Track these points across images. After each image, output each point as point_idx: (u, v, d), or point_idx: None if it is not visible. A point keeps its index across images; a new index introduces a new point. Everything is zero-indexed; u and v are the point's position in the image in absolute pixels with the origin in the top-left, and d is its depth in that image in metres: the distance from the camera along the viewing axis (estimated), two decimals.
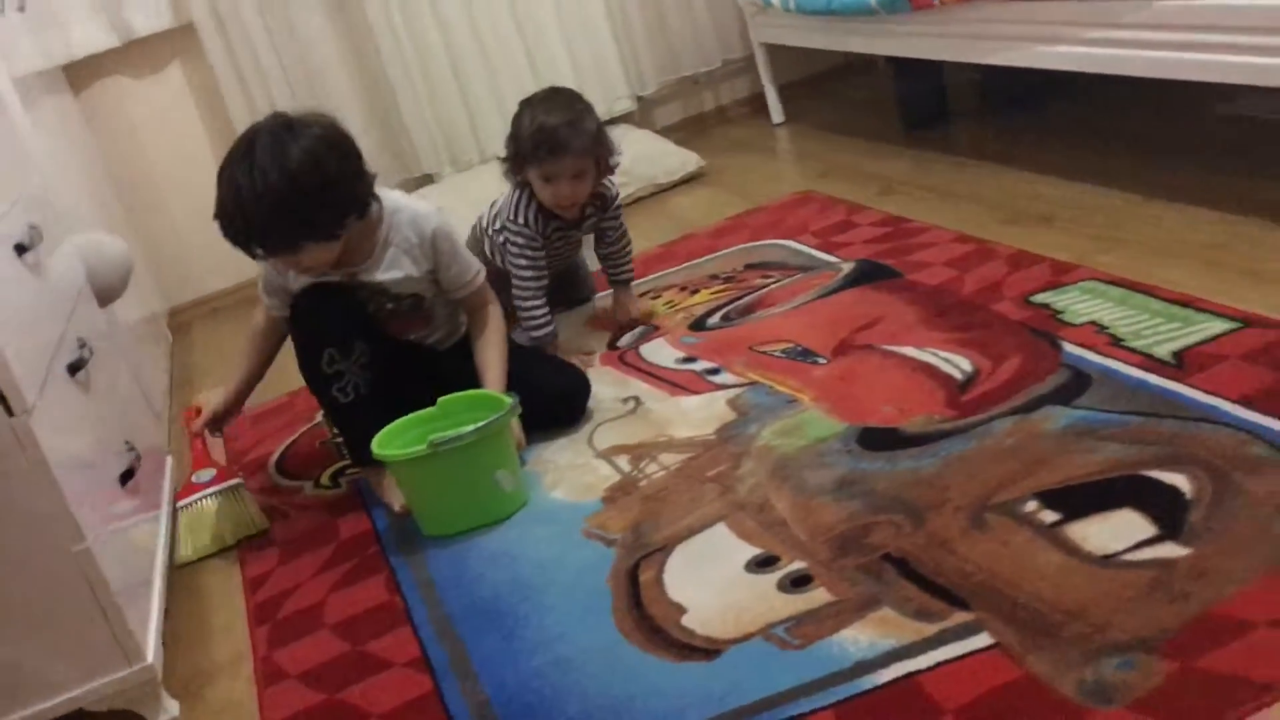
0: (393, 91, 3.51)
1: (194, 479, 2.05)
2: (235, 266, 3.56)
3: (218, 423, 2.13)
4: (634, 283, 2.50)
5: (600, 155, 2.26)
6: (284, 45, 3.42)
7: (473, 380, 2.01)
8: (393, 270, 1.99)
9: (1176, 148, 2.47)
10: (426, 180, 3.61)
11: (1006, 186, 2.56)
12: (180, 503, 2.03)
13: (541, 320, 2.31)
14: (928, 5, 2.51)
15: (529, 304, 2.31)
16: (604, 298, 2.59)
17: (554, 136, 2.18)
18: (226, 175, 1.82)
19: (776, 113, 3.68)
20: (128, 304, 2.67)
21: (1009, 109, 3.05)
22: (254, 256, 1.91)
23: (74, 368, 1.70)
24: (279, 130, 1.82)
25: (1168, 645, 1.17)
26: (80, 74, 3.36)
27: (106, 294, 2.17)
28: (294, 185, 1.78)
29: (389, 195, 2.03)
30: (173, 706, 1.58)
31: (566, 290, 2.59)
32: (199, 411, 2.14)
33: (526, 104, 2.28)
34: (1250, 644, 1.14)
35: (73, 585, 1.48)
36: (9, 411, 1.42)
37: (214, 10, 3.34)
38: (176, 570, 1.97)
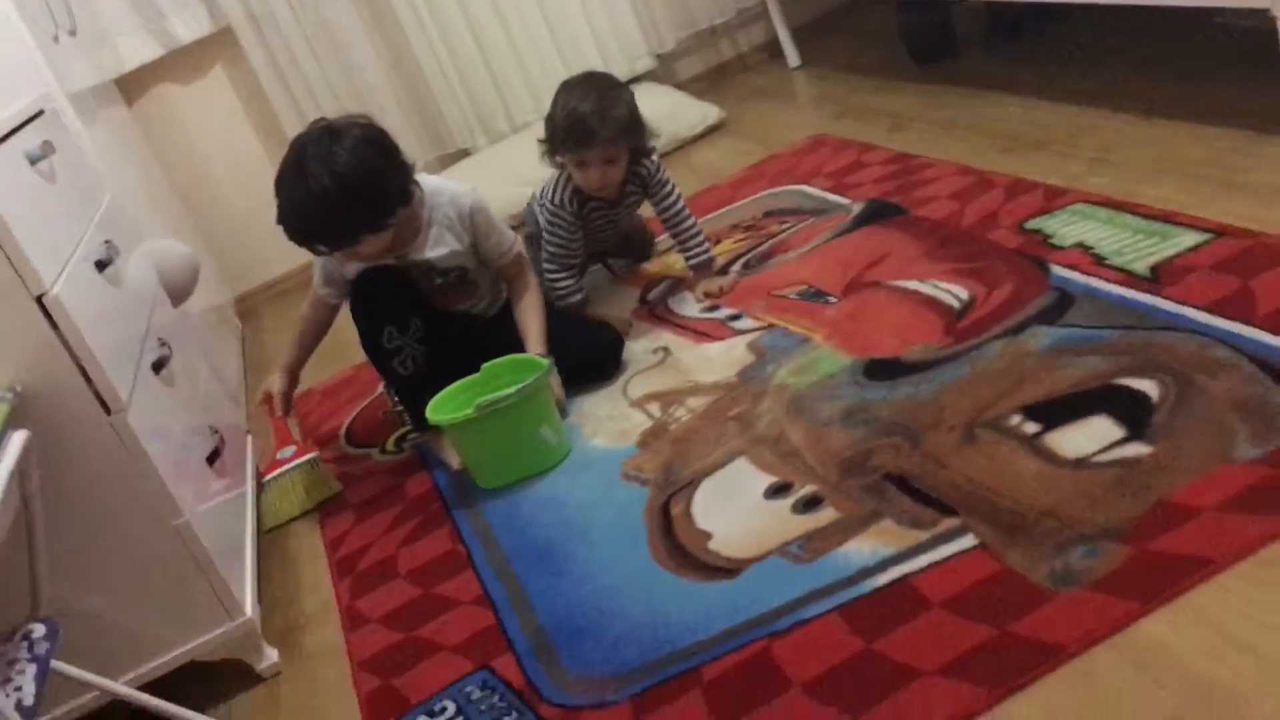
0: (423, 72, 3.68)
1: (277, 456, 2.27)
2: (296, 249, 3.79)
3: (287, 403, 2.34)
4: (705, 258, 2.45)
5: (632, 142, 2.33)
6: (317, 39, 3.59)
7: (516, 343, 2.20)
8: (439, 247, 2.18)
9: (1173, 62, 2.56)
10: (463, 155, 3.78)
11: (1007, 114, 2.66)
12: (266, 477, 2.25)
13: (566, 291, 2.44)
14: None
15: (555, 275, 2.43)
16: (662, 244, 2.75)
17: (583, 124, 2.26)
18: (284, 186, 2.03)
19: (792, 56, 3.79)
20: (197, 296, 2.89)
21: (1013, 35, 3.13)
22: (317, 253, 2.12)
23: (157, 365, 1.91)
24: (324, 138, 2.01)
25: (1128, 533, 1.33)
26: (132, 86, 3.57)
27: (178, 295, 2.38)
28: (345, 187, 1.97)
29: (427, 179, 2.21)
30: (272, 654, 1.81)
31: (626, 250, 2.72)
32: (270, 397, 2.36)
33: (563, 87, 2.35)
34: (1198, 526, 1.29)
35: (176, 555, 1.70)
36: (107, 411, 1.63)
37: (249, 13, 3.53)
38: (266, 536, 2.19)
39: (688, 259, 2.48)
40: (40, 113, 2.03)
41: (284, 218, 2.04)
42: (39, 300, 1.57)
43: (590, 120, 2.26)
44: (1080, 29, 2.92)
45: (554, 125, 2.33)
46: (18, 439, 1.43)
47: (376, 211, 2.05)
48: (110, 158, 2.78)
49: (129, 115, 3.55)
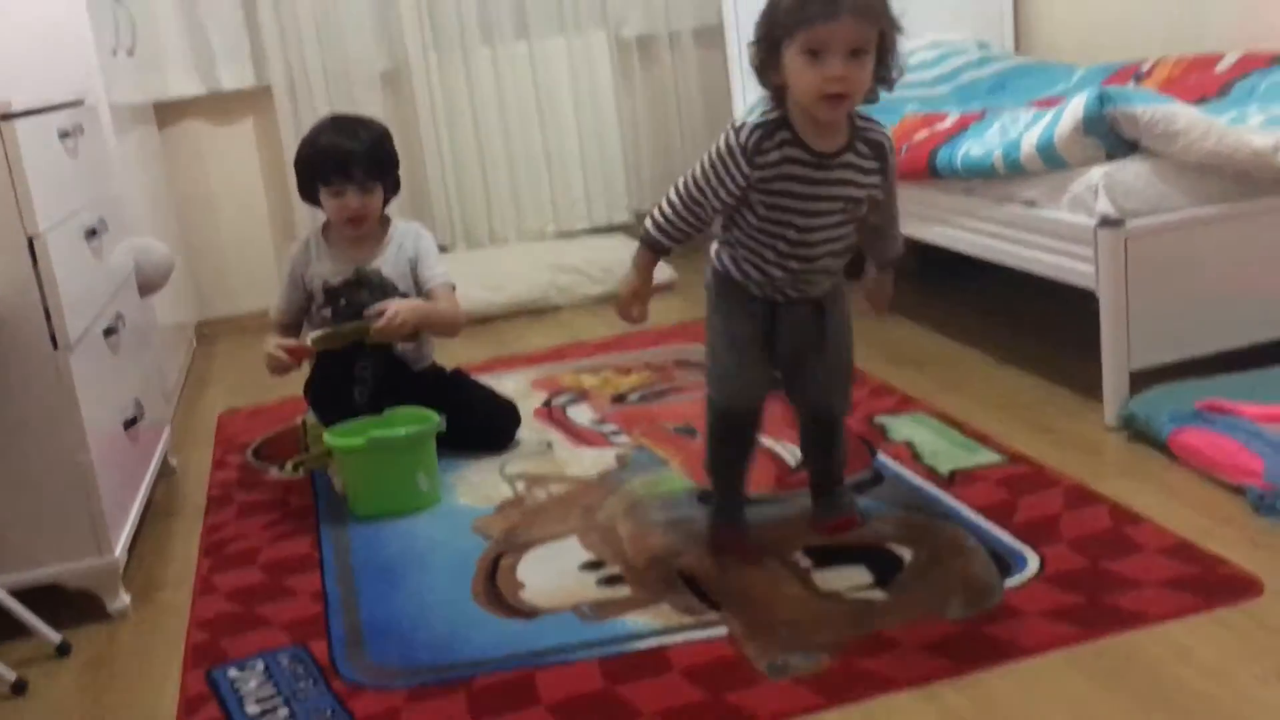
0: (425, 168, 4.08)
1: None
2: (266, 293, 4.12)
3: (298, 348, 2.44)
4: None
5: (887, 31, 1.65)
6: None
7: (433, 404, 2.45)
8: (394, 262, 2.54)
9: (1048, 327, 2.94)
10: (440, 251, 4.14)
11: (904, 335, 3.04)
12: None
13: (658, 222, 1.84)
14: None
15: (667, 206, 1.83)
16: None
17: None
18: (323, 129, 2.49)
19: None
20: (164, 304, 3.19)
21: (941, 277, 3.54)
22: (307, 186, 2.51)
23: (108, 331, 2.20)
24: (351, 115, 2.56)
25: (839, 650, 1.61)
26: (168, 113, 3.96)
27: (147, 287, 2.68)
28: (367, 131, 2.47)
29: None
30: (125, 598, 2.03)
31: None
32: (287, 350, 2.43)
33: None
34: (892, 655, 1.58)
35: (71, 485, 1.95)
36: (55, 346, 1.91)
37: (289, 79, 3.94)
38: (150, 518, 2.43)
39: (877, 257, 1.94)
40: (81, 101, 2.38)
41: (313, 147, 2.47)
42: (30, 240, 1.87)
43: None
44: (991, 287, 3.32)
45: (780, 8, 1.66)
46: None
47: (377, 159, 2.47)
48: (129, 165, 3.12)
49: (158, 136, 3.92)
